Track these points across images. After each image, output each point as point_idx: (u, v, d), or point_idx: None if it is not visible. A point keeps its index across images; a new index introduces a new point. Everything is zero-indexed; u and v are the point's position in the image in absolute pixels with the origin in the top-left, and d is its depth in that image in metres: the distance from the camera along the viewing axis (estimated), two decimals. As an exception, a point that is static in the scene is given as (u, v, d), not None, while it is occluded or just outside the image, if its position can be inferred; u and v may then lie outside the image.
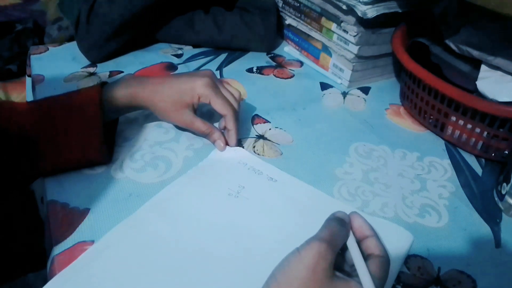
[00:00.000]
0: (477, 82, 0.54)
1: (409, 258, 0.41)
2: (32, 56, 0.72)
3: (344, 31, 0.65)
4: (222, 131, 0.53)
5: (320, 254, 0.30)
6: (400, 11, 0.62)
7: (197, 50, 0.77)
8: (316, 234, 0.32)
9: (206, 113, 0.58)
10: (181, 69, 0.71)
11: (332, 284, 0.30)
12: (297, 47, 0.79)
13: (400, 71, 0.69)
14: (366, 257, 0.33)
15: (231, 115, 0.50)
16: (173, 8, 0.74)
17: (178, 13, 0.75)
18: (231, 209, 0.45)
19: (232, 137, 0.52)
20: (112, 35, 0.67)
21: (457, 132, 0.56)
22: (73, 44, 0.72)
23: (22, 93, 1.01)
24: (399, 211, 0.47)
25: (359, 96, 0.68)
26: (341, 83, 0.70)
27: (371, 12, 0.59)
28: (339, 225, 0.33)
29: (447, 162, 0.55)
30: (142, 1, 0.66)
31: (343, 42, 0.66)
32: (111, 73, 0.68)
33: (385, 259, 0.34)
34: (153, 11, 0.70)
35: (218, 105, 0.50)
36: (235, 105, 0.52)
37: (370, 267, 0.32)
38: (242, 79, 0.69)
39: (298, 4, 0.74)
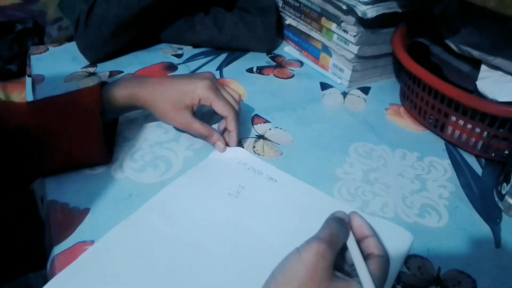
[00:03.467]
0: (477, 82, 0.54)
1: (409, 258, 0.41)
2: (32, 56, 0.72)
3: (344, 31, 0.65)
4: (222, 132, 0.53)
5: (320, 254, 0.30)
6: (400, 11, 0.62)
7: (197, 50, 0.77)
8: (316, 234, 0.32)
9: (206, 114, 0.58)
10: (181, 69, 0.71)
11: (332, 284, 0.30)
12: (297, 47, 0.79)
13: (400, 71, 0.69)
14: (365, 257, 0.34)
15: (232, 117, 0.51)
16: (173, 9, 0.74)
17: (178, 13, 0.75)
18: (231, 209, 0.45)
19: (233, 138, 0.52)
20: (110, 36, 0.67)
21: (457, 132, 0.56)
22: (73, 44, 0.72)
23: (22, 93, 1.00)
24: (399, 211, 0.47)
25: (359, 96, 0.68)
26: (341, 83, 0.70)
27: (371, 12, 0.59)
28: (339, 225, 0.33)
29: (447, 162, 0.55)
30: (139, 2, 0.66)
31: (343, 42, 0.66)
32: (111, 73, 0.68)
33: (385, 258, 0.34)
34: (152, 12, 0.70)
35: (220, 107, 0.50)
36: (236, 106, 0.52)
37: (369, 267, 0.32)
38: (242, 79, 0.69)
39: (298, 4, 0.74)
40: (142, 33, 0.73)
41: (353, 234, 0.35)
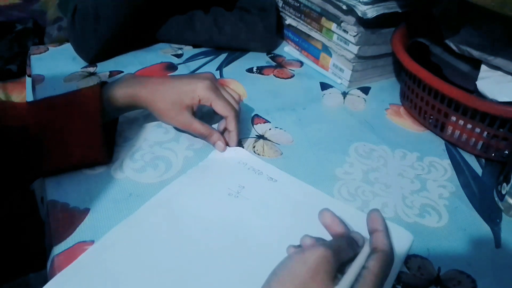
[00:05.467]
0: (477, 82, 0.54)
1: (409, 258, 0.41)
2: (32, 56, 0.72)
3: (344, 31, 0.65)
4: (222, 132, 0.53)
5: (325, 257, 0.30)
6: (400, 11, 0.62)
7: (197, 50, 0.77)
8: (324, 242, 0.33)
9: (206, 114, 0.58)
10: (181, 69, 0.71)
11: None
12: (297, 47, 0.79)
13: (400, 71, 0.69)
14: (372, 251, 0.34)
15: (232, 117, 0.51)
16: (172, 8, 0.74)
17: (178, 13, 0.75)
18: (231, 209, 0.45)
19: (233, 138, 0.52)
20: (92, 31, 0.66)
21: (457, 132, 0.56)
22: (73, 44, 0.72)
23: (22, 93, 1.00)
24: (399, 211, 0.47)
25: (359, 96, 0.68)
26: (341, 83, 0.70)
27: (371, 12, 0.59)
28: (348, 246, 0.34)
29: (447, 162, 0.55)
30: None
31: (343, 42, 0.66)
32: (111, 73, 0.68)
33: (386, 253, 0.34)
34: (131, 7, 0.68)
35: (220, 107, 0.50)
36: (236, 106, 0.52)
37: (370, 262, 0.32)
38: (242, 79, 0.69)
39: (298, 4, 0.74)
40: (132, 29, 0.72)
41: (368, 225, 0.36)
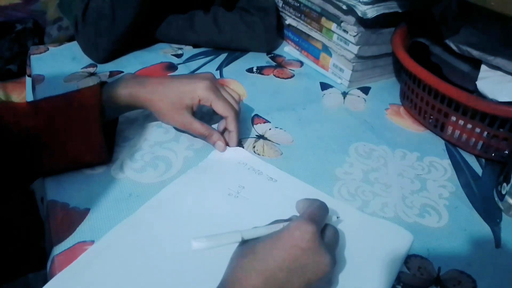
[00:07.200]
0: (477, 82, 0.54)
1: (409, 258, 0.41)
2: (32, 56, 0.72)
3: (344, 31, 0.65)
4: (222, 132, 0.53)
5: (313, 232, 0.34)
6: (400, 11, 0.62)
7: (197, 50, 0.77)
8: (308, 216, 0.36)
9: (206, 114, 0.58)
10: (181, 69, 0.71)
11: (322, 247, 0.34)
12: (297, 47, 0.79)
13: (400, 71, 0.69)
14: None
15: (232, 117, 0.51)
16: (173, 8, 0.74)
17: (178, 13, 0.75)
18: (231, 209, 0.45)
19: (233, 138, 0.52)
20: (108, 31, 0.67)
21: (457, 132, 0.56)
22: (73, 44, 0.72)
23: (22, 93, 1.01)
24: (399, 211, 0.47)
25: (359, 96, 0.68)
26: (341, 83, 0.70)
27: (371, 12, 0.59)
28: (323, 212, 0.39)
29: (447, 162, 0.55)
30: None
31: (343, 42, 0.66)
32: (111, 73, 0.68)
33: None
34: (149, 5, 0.69)
35: (220, 107, 0.50)
36: (236, 106, 0.52)
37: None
38: (242, 79, 0.69)
39: (298, 4, 0.74)
40: (142, 28, 0.72)
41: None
